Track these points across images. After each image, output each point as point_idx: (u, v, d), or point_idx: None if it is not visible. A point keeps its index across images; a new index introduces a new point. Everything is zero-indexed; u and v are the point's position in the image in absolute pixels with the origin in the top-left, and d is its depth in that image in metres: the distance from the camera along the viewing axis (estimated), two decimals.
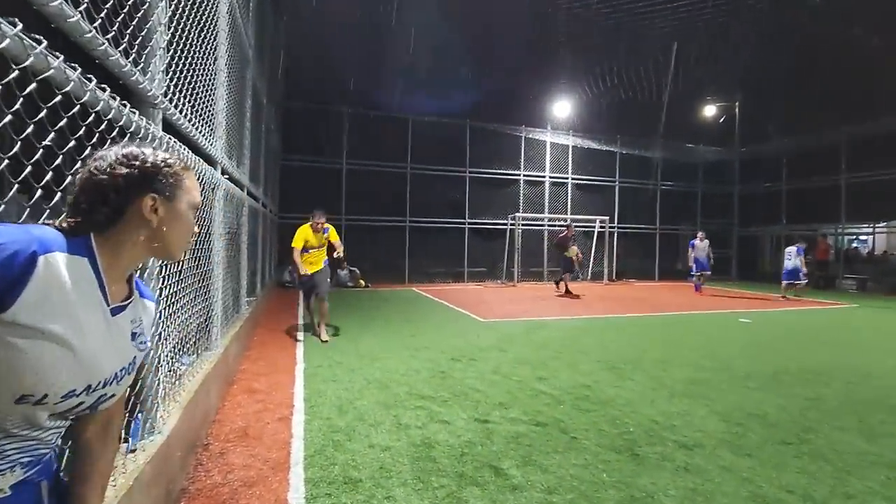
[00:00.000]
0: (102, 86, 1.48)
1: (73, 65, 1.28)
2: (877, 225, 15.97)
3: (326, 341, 5.83)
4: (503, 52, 12.41)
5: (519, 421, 3.51)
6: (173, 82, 2.28)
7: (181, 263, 2.69)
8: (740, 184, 18.13)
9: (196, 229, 1.05)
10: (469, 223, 14.90)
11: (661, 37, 11.55)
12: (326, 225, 6.11)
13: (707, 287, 12.56)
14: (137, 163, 0.92)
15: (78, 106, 1.33)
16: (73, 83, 1.27)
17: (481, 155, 15.01)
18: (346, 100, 13.44)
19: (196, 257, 3.06)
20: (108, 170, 0.89)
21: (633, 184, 16.93)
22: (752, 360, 5.49)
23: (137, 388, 1.94)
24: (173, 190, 0.96)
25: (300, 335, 6.30)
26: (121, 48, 1.62)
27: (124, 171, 0.90)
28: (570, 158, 16.15)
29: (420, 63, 12.45)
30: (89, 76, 1.37)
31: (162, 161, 0.96)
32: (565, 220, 14.95)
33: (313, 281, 6.09)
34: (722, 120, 17.39)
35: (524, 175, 15.60)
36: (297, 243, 5.82)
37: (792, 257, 11.45)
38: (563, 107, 15.44)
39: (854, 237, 18.28)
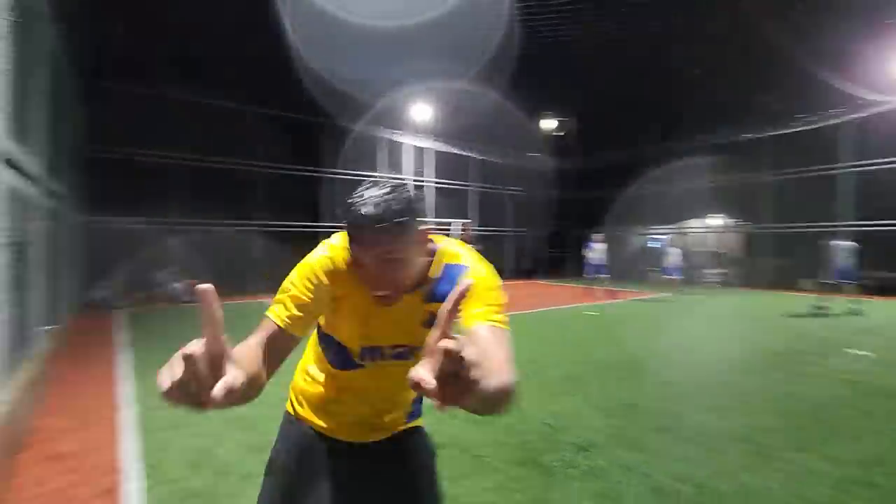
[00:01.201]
0: None
1: None
2: (670, 227, 19.42)
3: None
4: (359, 49, 11.94)
5: None
6: None
7: None
8: (576, 190, 20.39)
9: None
10: (324, 227, 14.02)
11: (509, 49, 12.32)
12: (463, 258, 1.15)
13: (545, 283, 13.43)
14: None
15: None
16: None
17: (336, 155, 14.26)
18: (176, 83, 11.48)
19: None
20: None
21: (486, 188, 17.85)
22: (609, 352, 6.02)
23: None
24: None
25: (121, 368, 5.02)
26: None
27: None
28: (430, 162, 16.32)
29: (268, 51, 11.25)
30: None
31: None
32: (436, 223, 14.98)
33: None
34: (563, 133, 19.41)
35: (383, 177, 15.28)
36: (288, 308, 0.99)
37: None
38: (422, 110, 15.53)
39: (650, 237, 21.83)
